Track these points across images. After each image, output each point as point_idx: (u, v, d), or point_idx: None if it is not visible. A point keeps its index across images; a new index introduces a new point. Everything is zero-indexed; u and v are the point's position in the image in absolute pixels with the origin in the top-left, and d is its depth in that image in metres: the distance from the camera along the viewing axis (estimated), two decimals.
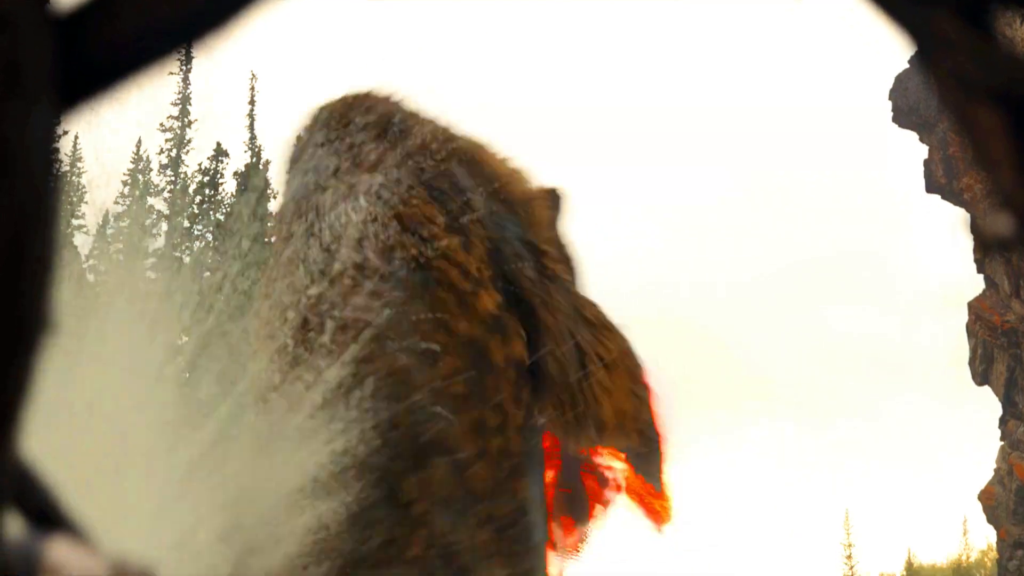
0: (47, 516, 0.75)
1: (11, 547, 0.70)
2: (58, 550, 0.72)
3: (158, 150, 48.77)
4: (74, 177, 48.22)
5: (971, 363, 39.99)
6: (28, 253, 0.60)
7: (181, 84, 48.77)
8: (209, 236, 49.00)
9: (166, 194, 48.41)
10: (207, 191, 49.76)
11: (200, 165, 50.29)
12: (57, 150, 0.64)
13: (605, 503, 5.55)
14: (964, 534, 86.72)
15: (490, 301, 4.85)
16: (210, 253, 47.91)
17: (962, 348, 40.40)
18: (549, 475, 5.25)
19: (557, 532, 5.30)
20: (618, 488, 5.49)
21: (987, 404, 41.32)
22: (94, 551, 0.72)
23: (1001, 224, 0.81)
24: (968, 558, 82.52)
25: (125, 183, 46.47)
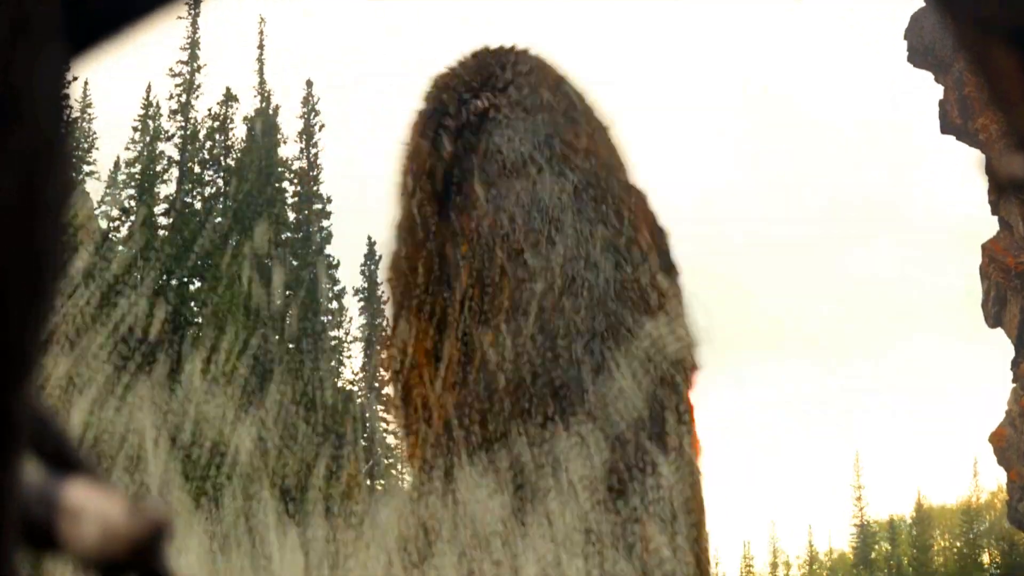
0: (63, 459, 0.76)
1: (29, 489, 0.70)
2: (76, 492, 0.72)
3: (167, 95, 48.65)
4: (84, 123, 47.89)
5: (984, 305, 39.93)
6: (39, 200, 0.60)
7: (190, 29, 48.52)
8: (220, 181, 49.01)
9: (176, 140, 48.38)
10: (217, 136, 49.72)
11: (210, 110, 50.16)
12: (67, 96, 0.63)
13: None
14: (974, 476, 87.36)
15: None
16: (221, 198, 47.21)
17: (975, 290, 40.32)
18: None
19: None
20: None
21: (1000, 346, 41.37)
22: (112, 493, 0.72)
23: (1016, 165, 0.80)
24: (978, 499, 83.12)
25: (135, 129, 46.45)
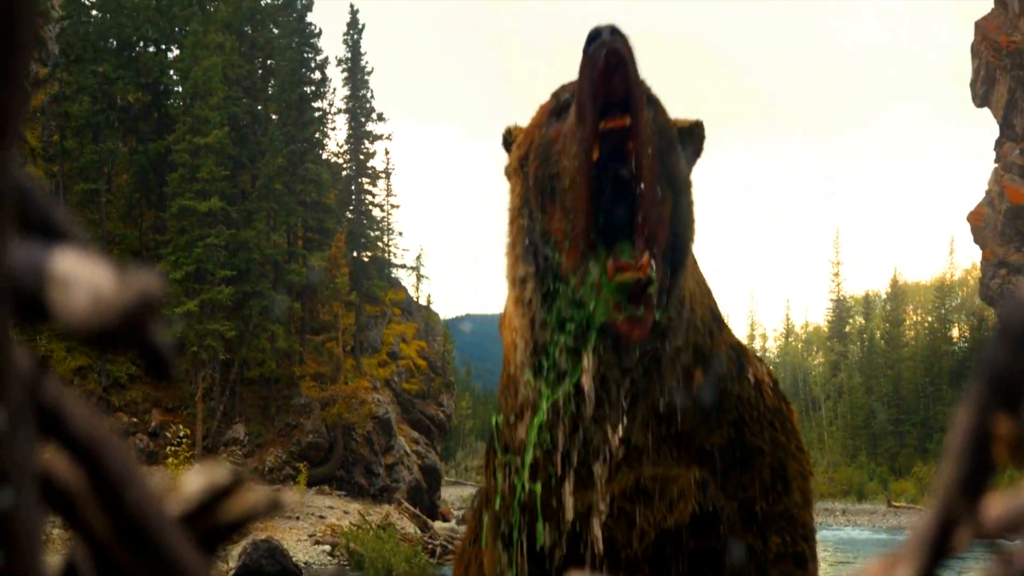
0: (51, 228, 0.75)
1: (18, 259, 0.69)
2: (65, 261, 0.71)
3: None
4: None
5: (972, 84, 39.57)
6: None
7: None
8: None
9: None
10: None
11: None
12: None
13: None
14: (950, 253, 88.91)
15: None
16: None
17: (965, 67, 39.86)
18: None
19: None
20: None
21: (985, 125, 41.46)
22: (101, 261, 0.71)
23: None
24: (952, 276, 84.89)
25: None
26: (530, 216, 2.68)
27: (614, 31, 2.42)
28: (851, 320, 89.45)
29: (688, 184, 2.79)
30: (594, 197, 2.49)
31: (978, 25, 39.19)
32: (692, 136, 2.88)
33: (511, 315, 2.87)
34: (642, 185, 2.48)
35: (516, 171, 2.80)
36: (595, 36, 2.43)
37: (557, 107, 2.68)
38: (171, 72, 42.88)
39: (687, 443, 2.83)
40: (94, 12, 41.39)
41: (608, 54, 2.40)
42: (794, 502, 3.02)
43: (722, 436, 2.90)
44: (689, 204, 2.75)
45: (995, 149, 39.62)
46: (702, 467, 2.88)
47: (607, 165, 2.50)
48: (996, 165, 40.00)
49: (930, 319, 79.64)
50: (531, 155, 2.71)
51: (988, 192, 40.30)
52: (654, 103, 2.68)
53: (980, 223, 40.57)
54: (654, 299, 2.50)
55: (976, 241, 41.18)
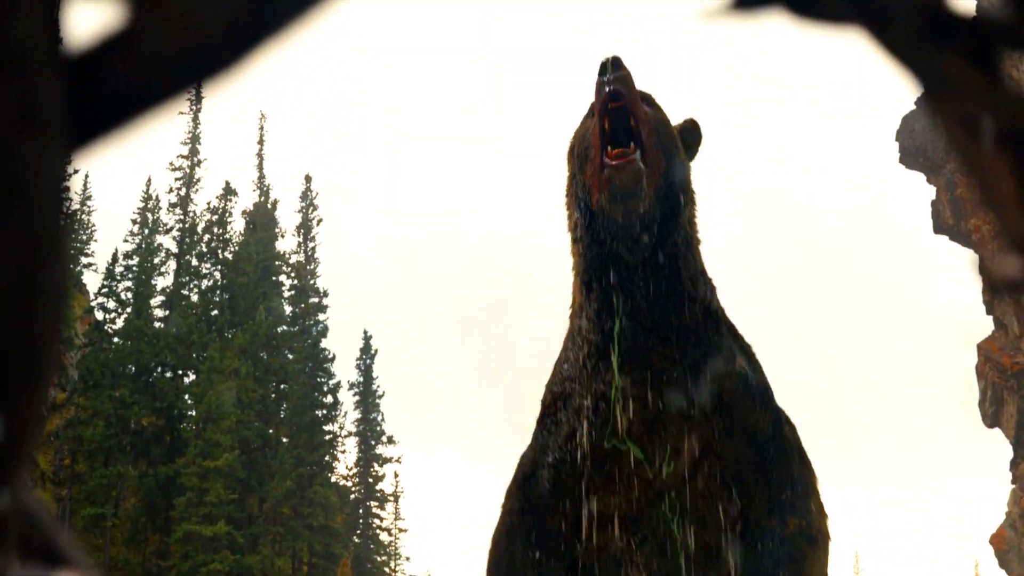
0: (53, 553, 0.74)
1: None
2: None
3: (167, 189, 49.09)
4: (84, 215, 48.17)
5: (981, 405, 39.69)
6: (38, 289, 0.60)
7: (191, 124, 49.15)
8: (217, 275, 49.23)
9: (175, 232, 48.68)
10: (216, 229, 50.02)
11: (209, 204, 50.60)
12: (68, 188, 0.64)
13: None
14: None
15: None
16: (218, 291, 47.34)
17: (972, 387, 40.09)
18: None
19: None
20: None
21: (998, 445, 40.99)
22: None
23: (1009, 266, 0.80)
24: None
25: (134, 221, 46.76)
26: (575, 184, 3.61)
27: (616, 64, 3.36)
28: None
29: (684, 160, 3.68)
30: (604, 132, 3.36)
31: (980, 347, 39.85)
32: (691, 131, 3.81)
33: (575, 298, 3.69)
34: (636, 116, 3.39)
35: (568, 165, 3.73)
36: (603, 71, 3.37)
37: (589, 112, 3.62)
38: (186, 396, 43.50)
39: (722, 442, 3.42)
40: (116, 339, 42.56)
41: (611, 93, 3.36)
42: (810, 509, 3.51)
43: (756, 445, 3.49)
44: (683, 165, 3.62)
45: (1011, 470, 39.22)
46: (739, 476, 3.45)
47: (614, 115, 3.40)
48: (1014, 486, 39.45)
49: None
50: (575, 144, 3.67)
51: (1008, 514, 39.53)
52: (651, 102, 3.61)
53: (1003, 546, 39.53)
54: (640, 157, 3.33)
55: (1001, 565, 39.90)
